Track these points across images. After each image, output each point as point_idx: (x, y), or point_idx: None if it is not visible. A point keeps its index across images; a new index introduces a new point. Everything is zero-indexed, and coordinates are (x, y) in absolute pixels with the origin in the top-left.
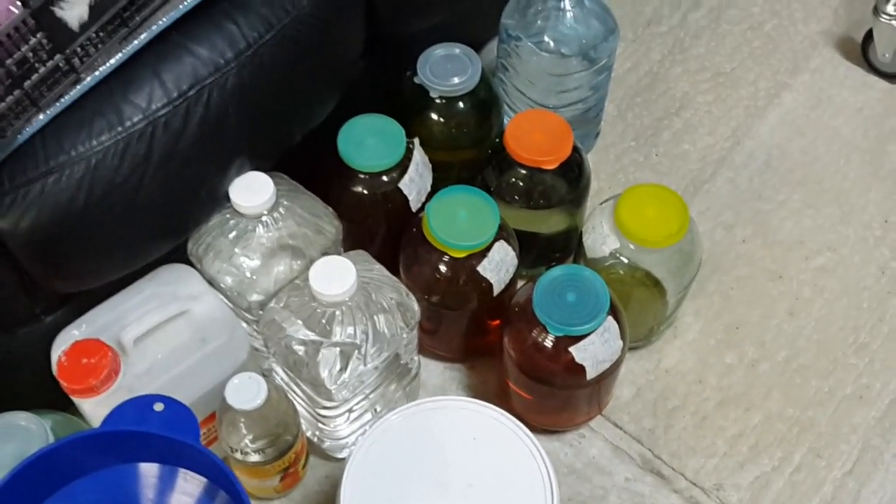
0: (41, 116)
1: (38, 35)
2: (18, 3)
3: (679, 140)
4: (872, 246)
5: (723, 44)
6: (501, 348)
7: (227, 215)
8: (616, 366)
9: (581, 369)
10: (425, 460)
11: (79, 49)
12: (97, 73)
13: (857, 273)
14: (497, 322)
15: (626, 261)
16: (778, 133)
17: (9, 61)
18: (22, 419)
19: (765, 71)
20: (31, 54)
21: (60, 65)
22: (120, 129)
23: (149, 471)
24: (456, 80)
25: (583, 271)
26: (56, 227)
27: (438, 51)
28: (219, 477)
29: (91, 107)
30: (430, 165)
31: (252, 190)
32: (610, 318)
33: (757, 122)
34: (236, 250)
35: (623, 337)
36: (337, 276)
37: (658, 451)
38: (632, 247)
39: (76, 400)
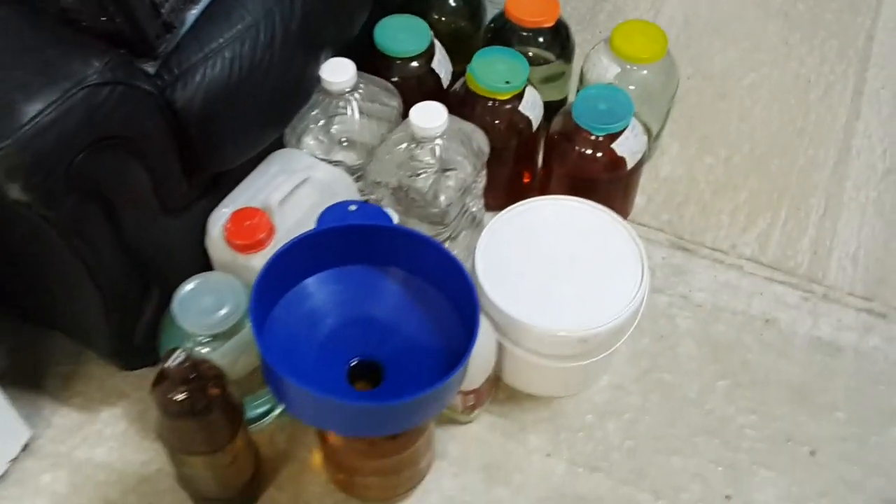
0: (194, 11)
1: None
2: None
3: (613, 19)
4: (783, 62)
5: None
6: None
7: (320, 97)
8: (643, 160)
9: (622, 161)
10: (535, 241)
11: None
12: None
13: (779, 82)
14: (529, 178)
15: (625, 85)
16: (687, 0)
17: None
18: (217, 276)
19: None
20: None
21: None
22: (249, 18)
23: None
24: None
25: (607, 87)
26: (216, 104)
27: None
28: (446, 273)
29: (223, 4)
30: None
31: (338, 70)
32: (634, 118)
33: None
34: (332, 125)
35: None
36: (433, 114)
37: (680, 234)
38: (629, 67)
39: (243, 257)
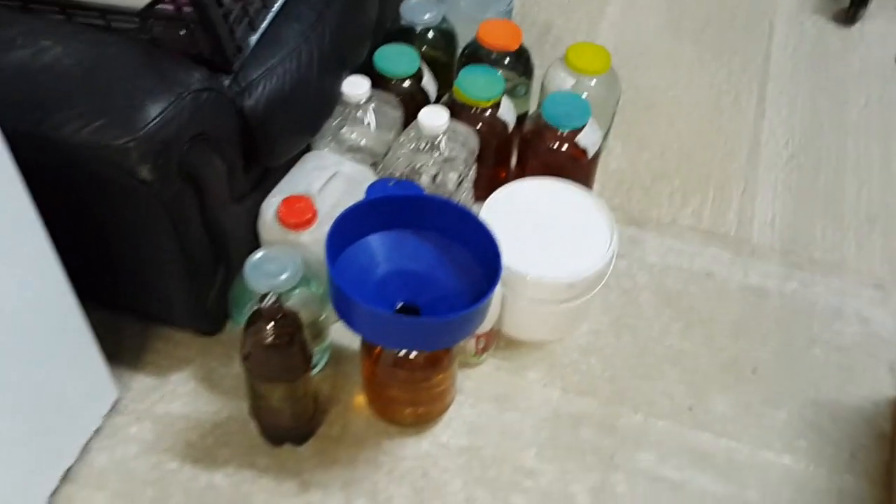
0: (255, 36)
1: None
2: None
3: (556, 47)
4: (697, 77)
5: None
6: (513, 175)
7: (339, 108)
8: (599, 152)
9: (584, 152)
10: (525, 212)
11: None
12: (275, 6)
13: (696, 92)
14: (504, 173)
15: (578, 94)
16: (614, 31)
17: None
18: (278, 248)
19: None
20: None
21: (261, 1)
22: (293, 42)
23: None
24: (428, 16)
25: (568, 94)
26: (273, 109)
27: (413, 0)
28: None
29: (273, 29)
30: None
31: (357, 84)
32: (591, 117)
33: (597, 26)
34: (350, 132)
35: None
36: (437, 115)
37: (630, 213)
38: (582, 79)
39: (293, 234)
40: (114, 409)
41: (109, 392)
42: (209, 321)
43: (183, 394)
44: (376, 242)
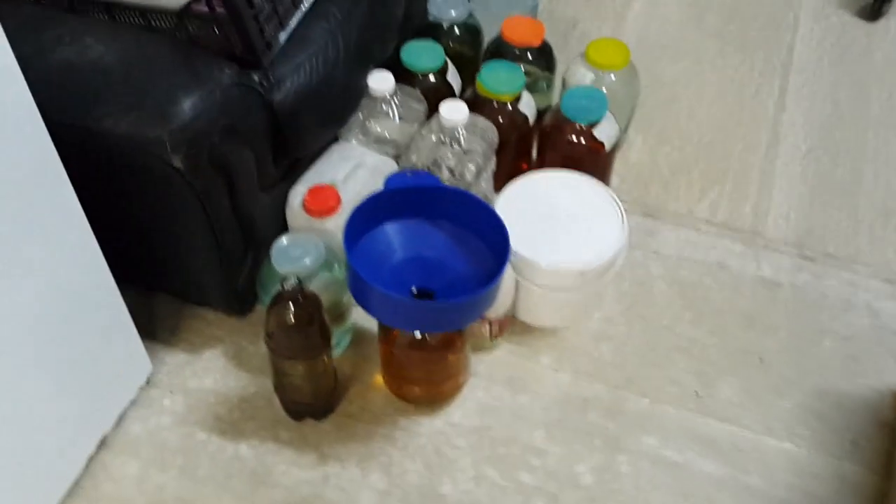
0: (283, 34)
1: None
2: None
3: (581, 42)
4: (720, 71)
5: None
6: (535, 166)
7: (365, 101)
8: (617, 146)
9: (601, 145)
10: (540, 202)
11: None
12: (304, 6)
13: (718, 86)
14: (525, 165)
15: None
16: (638, 25)
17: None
18: (303, 235)
19: None
20: None
21: (291, 1)
22: (321, 40)
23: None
24: (454, 12)
25: (587, 88)
26: (301, 103)
27: None
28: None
29: (302, 27)
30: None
31: (381, 79)
32: (608, 111)
33: (622, 22)
34: (375, 125)
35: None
36: (457, 109)
37: (648, 205)
38: (601, 74)
39: (317, 221)
40: (149, 382)
41: (145, 366)
42: (239, 302)
43: (213, 370)
44: (393, 230)
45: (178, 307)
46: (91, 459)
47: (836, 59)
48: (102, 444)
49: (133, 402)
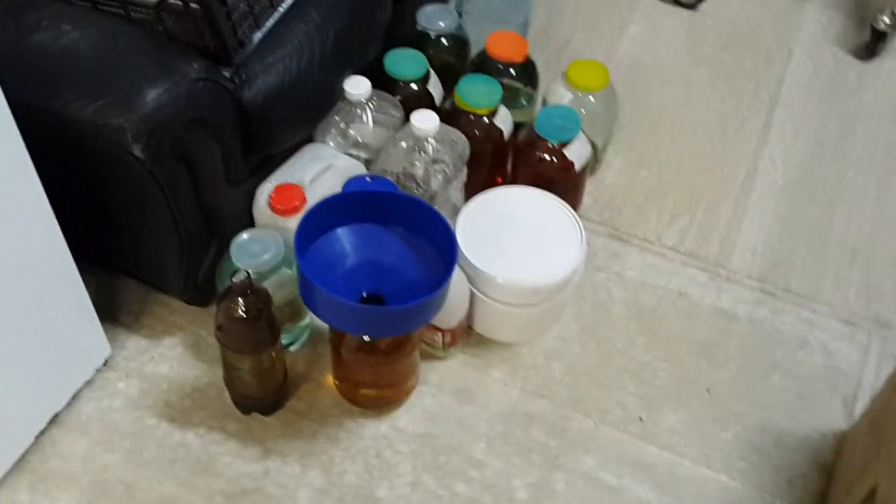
0: (259, 34)
1: None
2: None
3: (575, 56)
4: (708, 100)
5: (582, 3)
6: (509, 180)
7: (342, 105)
8: (587, 166)
9: (571, 164)
10: (502, 217)
11: None
12: (282, 7)
13: (704, 115)
14: (500, 179)
15: (577, 109)
16: (632, 49)
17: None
18: (263, 231)
19: (613, 16)
20: None
21: (269, 2)
22: (296, 42)
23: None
24: (442, 24)
25: (561, 107)
26: (271, 102)
27: (429, 8)
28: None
29: (278, 28)
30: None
31: (358, 84)
32: (581, 131)
33: (617, 44)
34: (350, 128)
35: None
36: (428, 118)
37: (617, 227)
38: (580, 95)
39: (282, 219)
40: (106, 364)
41: (103, 348)
42: (198, 292)
43: (171, 357)
44: (346, 234)
45: (145, 293)
46: (40, 435)
47: (825, 95)
48: (54, 420)
49: (88, 383)
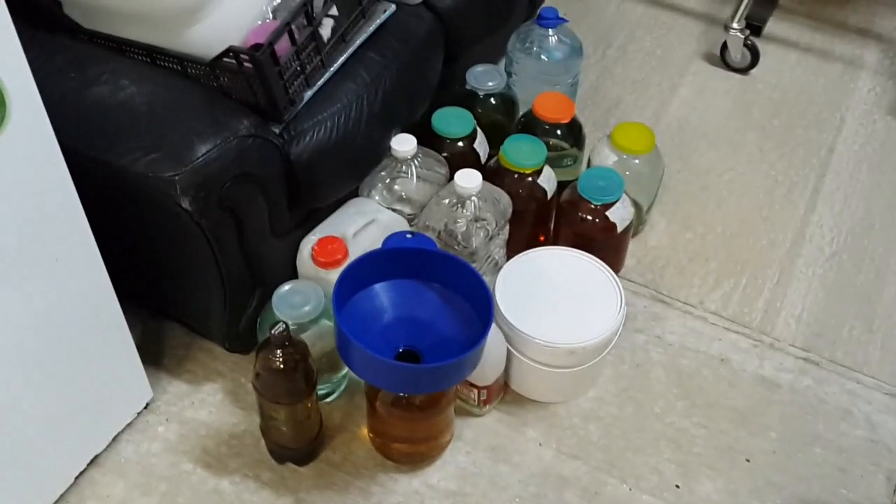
0: (309, 92)
1: (312, 44)
2: (304, 22)
3: (624, 117)
4: (756, 164)
5: (633, 64)
6: (551, 239)
7: (388, 161)
8: (629, 227)
9: (613, 226)
10: (542, 278)
11: (326, 52)
12: (333, 67)
13: (752, 179)
14: (543, 237)
15: (621, 171)
16: (681, 111)
17: (301, 60)
18: (305, 283)
19: (664, 78)
20: (310, 55)
21: (320, 62)
22: (346, 100)
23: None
24: (491, 83)
25: (605, 169)
26: (318, 158)
27: (479, 68)
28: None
29: (329, 86)
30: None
31: (404, 142)
32: (624, 193)
33: (666, 106)
34: (395, 184)
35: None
36: (471, 177)
37: (659, 290)
38: (624, 157)
39: (324, 272)
40: (148, 407)
41: (145, 392)
42: (239, 340)
43: (210, 403)
44: (384, 290)
45: (189, 338)
46: (80, 476)
47: (875, 164)
48: (94, 461)
49: (129, 426)
